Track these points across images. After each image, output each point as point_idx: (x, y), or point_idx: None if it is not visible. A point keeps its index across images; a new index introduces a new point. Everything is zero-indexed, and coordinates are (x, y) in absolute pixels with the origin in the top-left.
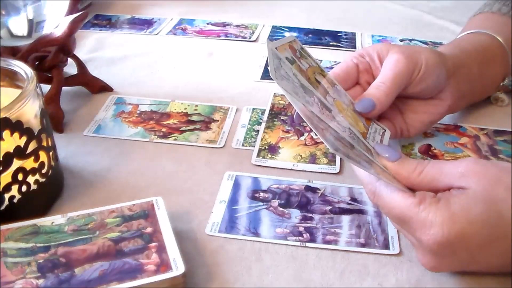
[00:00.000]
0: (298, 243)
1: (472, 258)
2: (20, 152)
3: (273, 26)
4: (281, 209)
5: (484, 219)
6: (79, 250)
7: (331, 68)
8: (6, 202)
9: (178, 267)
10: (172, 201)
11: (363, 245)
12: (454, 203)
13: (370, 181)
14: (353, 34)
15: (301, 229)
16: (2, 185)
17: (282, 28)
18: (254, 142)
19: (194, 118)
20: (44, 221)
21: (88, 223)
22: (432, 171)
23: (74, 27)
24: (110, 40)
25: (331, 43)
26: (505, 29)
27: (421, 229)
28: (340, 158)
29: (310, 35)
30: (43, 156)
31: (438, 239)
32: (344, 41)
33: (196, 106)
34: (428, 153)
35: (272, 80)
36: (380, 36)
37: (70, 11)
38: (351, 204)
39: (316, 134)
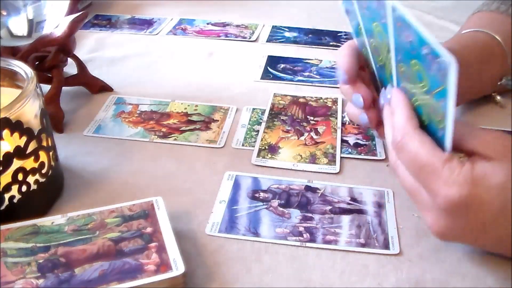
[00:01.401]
0: (298, 243)
1: (483, 227)
2: (20, 152)
3: (273, 26)
4: (281, 209)
5: (502, 188)
6: (79, 250)
7: (332, 68)
8: (6, 202)
9: (178, 267)
10: (172, 201)
11: (363, 245)
12: (477, 169)
13: (409, 122)
14: None
15: (301, 229)
16: (2, 185)
17: (282, 28)
18: (254, 142)
19: (194, 118)
20: (44, 221)
21: (88, 223)
22: (462, 129)
23: (74, 27)
24: (110, 40)
25: (331, 43)
26: (503, 27)
27: (441, 185)
28: (340, 158)
29: (310, 35)
30: (43, 156)
31: (456, 198)
32: (344, 41)
33: (196, 106)
34: None
35: (272, 80)
36: None
37: (70, 11)
38: (351, 204)
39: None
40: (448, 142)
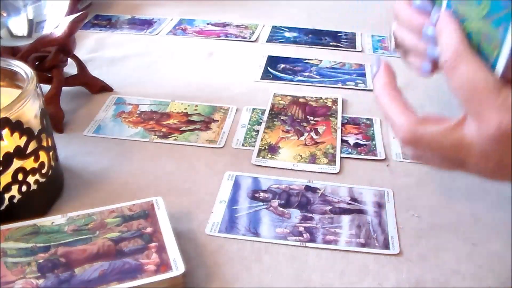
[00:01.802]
0: (298, 243)
1: None
2: (20, 152)
3: (273, 26)
4: (281, 209)
5: None
6: (79, 250)
7: (332, 68)
8: (6, 202)
9: (178, 267)
10: (172, 201)
11: (363, 245)
12: None
13: (463, 42)
14: (353, 34)
15: (301, 229)
16: (2, 185)
17: (282, 28)
18: (254, 142)
19: (194, 118)
20: (44, 221)
21: (88, 223)
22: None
23: (74, 27)
24: (110, 40)
25: (331, 43)
26: None
27: (494, 111)
28: (340, 158)
29: (310, 35)
30: (43, 156)
31: (509, 125)
32: (344, 41)
33: (196, 106)
34: None
35: (272, 80)
36: (380, 36)
37: (70, 11)
38: (351, 204)
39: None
40: (501, 67)
